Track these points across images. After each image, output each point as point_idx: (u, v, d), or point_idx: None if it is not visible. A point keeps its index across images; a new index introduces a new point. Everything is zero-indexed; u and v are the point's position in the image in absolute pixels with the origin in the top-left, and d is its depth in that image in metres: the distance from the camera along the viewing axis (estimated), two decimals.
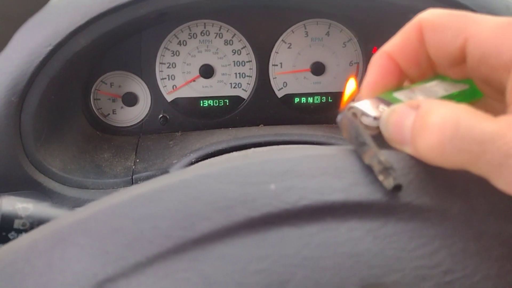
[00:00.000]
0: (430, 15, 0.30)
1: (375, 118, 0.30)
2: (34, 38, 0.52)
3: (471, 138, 0.23)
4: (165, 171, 0.64)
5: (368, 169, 0.29)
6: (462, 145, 0.24)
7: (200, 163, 0.59)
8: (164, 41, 0.75)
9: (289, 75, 0.79)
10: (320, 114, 0.80)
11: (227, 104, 0.80)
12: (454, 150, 0.24)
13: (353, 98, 0.33)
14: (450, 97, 0.32)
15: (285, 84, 0.79)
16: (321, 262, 0.26)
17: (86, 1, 0.53)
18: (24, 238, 0.26)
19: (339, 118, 0.32)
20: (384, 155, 0.28)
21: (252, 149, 0.60)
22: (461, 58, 0.29)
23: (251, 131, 0.71)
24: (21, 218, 0.38)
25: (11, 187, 0.58)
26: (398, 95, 0.31)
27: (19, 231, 0.38)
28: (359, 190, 0.28)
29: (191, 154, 0.64)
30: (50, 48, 0.53)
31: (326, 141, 0.65)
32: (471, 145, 0.23)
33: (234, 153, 0.59)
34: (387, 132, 0.29)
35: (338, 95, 0.80)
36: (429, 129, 0.25)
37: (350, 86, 0.34)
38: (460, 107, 0.25)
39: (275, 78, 0.79)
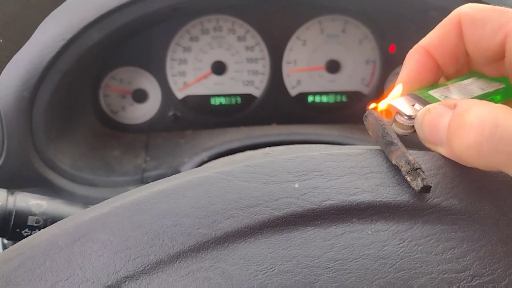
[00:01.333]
0: (470, 9, 0.29)
1: (410, 117, 0.29)
2: (48, 33, 0.52)
3: (510, 138, 0.23)
4: (176, 170, 0.63)
5: (395, 169, 0.28)
6: (500, 146, 0.23)
7: (219, 160, 0.58)
8: (176, 37, 0.75)
9: (303, 73, 0.78)
10: (334, 113, 0.79)
11: (239, 102, 0.79)
12: (491, 150, 0.23)
13: (386, 97, 0.32)
14: (485, 96, 0.31)
15: (299, 82, 0.78)
16: (347, 264, 0.25)
17: None
18: (43, 233, 0.26)
19: (365, 116, 0.31)
20: (412, 155, 0.28)
21: (269, 148, 0.59)
22: (499, 55, 0.29)
23: (265, 130, 0.70)
24: (35, 214, 0.37)
25: (20, 184, 0.58)
26: (433, 93, 0.30)
27: (33, 228, 0.37)
28: (386, 191, 0.27)
29: (203, 153, 0.63)
30: (63, 42, 0.52)
31: (343, 141, 0.64)
32: (509, 146, 0.23)
33: (255, 151, 0.58)
34: (422, 132, 0.28)
35: (353, 94, 0.79)
36: (466, 128, 0.24)
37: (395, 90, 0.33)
38: (498, 107, 0.24)
39: (289, 76, 0.78)
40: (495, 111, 0.23)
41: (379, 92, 0.79)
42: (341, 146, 0.31)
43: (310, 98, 0.79)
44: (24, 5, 0.24)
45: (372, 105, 0.31)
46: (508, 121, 0.23)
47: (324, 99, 0.79)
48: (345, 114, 0.79)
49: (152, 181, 0.65)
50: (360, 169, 0.28)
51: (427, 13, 0.62)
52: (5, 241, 0.59)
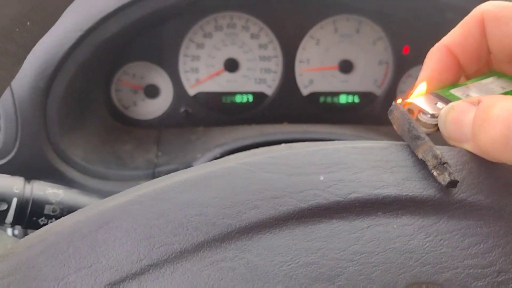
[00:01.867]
0: (493, 7, 0.29)
1: (433, 116, 0.29)
2: (65, 23, 0.52)
3: None
4: (188, 165, 0.63)
5: (421, 163, 0.28)
6: None
7: (240, 153, 0.58)
8: (189, 33, 0.75)
9: (315, 72, 0.77)
10: (346, 114, 0.79)
11: (251, 100, 0.78)
12: None
13: (408, 94, 0.32)
14: (507, 94, 0.31)
15: (311, 81, 0.78)
16: (372, 257, 0.24)
17: None
18: (66, 220, 0.25)
19: (390, 110, 0.31)
20: (439, 150, 0.27)
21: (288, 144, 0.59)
22: None
23: (277, 128, 0.70)
24: (51, 203, 0.37)
25: (32, 175, 0.58)
26: (455, 92, 0.30)
27: (49, 217, 0.37)
28: (412, 185, 0.27)
29: (216, 149, 0.63)
30: (80, 33, 0.52)
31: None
32: None
33: (274, 146, 0.58)
34: (445, 130, 0.28)
35: (365, 95, 0.79)
36: (492, 122, 0.24)
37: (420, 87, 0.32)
38: None
39: (301, 75, 0.78)
40: None
41: (391, 93, 0.79)
42: (364, 141, 0.31)
43: (322, 98, 0.79)
44: None
45: (398, 100, 0.31)
46: None
47: (336, 99, 0.79)
48: (357, 114, 0.79)
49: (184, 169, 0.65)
50: (386, 163, 0.28)
51: (443, 14, 0.62)
52: (16, 231, 0.59)
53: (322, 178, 0.27)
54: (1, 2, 0.23)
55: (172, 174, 0.29)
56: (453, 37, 0.31)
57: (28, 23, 0.24)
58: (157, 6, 0.55)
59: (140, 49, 0.73)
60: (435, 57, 0.31)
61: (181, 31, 0.74)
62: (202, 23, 0.74)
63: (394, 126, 0.30)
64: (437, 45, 0.32)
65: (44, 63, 0.52)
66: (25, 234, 0.57)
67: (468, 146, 0.27)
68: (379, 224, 0.26)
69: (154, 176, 0.63)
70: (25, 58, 0.26)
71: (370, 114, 0.79)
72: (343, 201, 0.26)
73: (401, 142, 0.30)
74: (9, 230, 0.57)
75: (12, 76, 0.25)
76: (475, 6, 0.55)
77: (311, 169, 0.27)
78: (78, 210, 0.27)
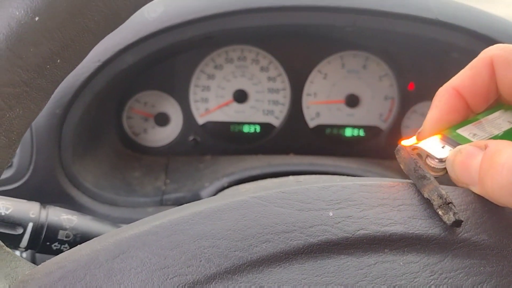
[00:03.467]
0: (502, 51, 0.30)
1: (441, 161, 0.30)
2: None
3: None
4: (196, 194, 0.64)
5: (427, 202, 0.29)
6: None
7: (250, 185, 0.59)
8: (201, 64, 0.77)
9: (322, 105, 0.79)
10: (351, 147, 0.80)
11: (258, 130, 0.80)
12: None
13: (414, 135, 0.33)
14: None
15: (317, 114, 0.80)
16: None
17: (138, 20, 0.55)
18: (83, 248, 0.26)
19: (397, 150, 0.32)
20: (444, 190, 0.28)
21: (296, 177, 0.60)
22: None
23: (284, 160, 0.71)
24: (65, 229, 0.38)
25: (44, 200, 0.59)
26: (461, 131, 0.31)
27: (63, 242, 0.38)
28: (418, 224, 0.28)
29: (224, 178, 0.64)
30: (98, 64, 0.54)
31: (362, 174, 0.65)
32: None
33: (284, 179, 0.59)
34: (454, 173, 0.29)
35: (370, 129, 0.80)
36: (498, 169, 0.25)
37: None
38: None
39: (308, 107, 0.79)
40: None
41: (396, 128, 0.80)
42: (372, 178, 0.32)
43: (328, 130, 0.80)
44: (83, 29, 0.26)
45: (404, 141, 0.32)
46: None
47: (342, 132, 0.80)
48: (362, 148, 0.80)
49: (172, 204, 0.66)
50: (393, 201, 0.29)
51: (448, 54, 0.64)
52: (24, 255, 0.59)
53: (331, 214, 0.28)
54: (35, 41, 0.24)
55: (186, 205, 0.30)
56: (461, 79, 0.32)
57: (58, 61, 0.26)
58: (173, 40, 0.57)
59: (153, 78, 0.75)
60: (444, 98, 0.32)
61: (193, 62, 0.76)
62: (213, 55, 0.76)
63: (401, 166, 0.31)
64: (445, 86, 0.33)
65: (62, 91, 0.54)
66: (33, 257, 0.57)
67: (476, 189, 0.28)
68: (385, 261, 0.26)
69: (162, 203, 0.64)
70: (53, 92, 0.27)
71: (375, 148, 0.80)
72: (351, 237, 0.27)
73: (408, 181, 0.31)
74: (17, 253, 0.58)
75: (40, 110, 0.26)
76: (479, 48, 0.57)
77: (320, 204, 0.28)
78: (95, 239, 0.28)
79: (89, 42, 0.27)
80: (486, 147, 0.27)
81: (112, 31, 0.27)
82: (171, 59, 0.74)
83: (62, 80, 0.27)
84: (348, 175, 0.65)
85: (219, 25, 0.57)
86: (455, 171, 0.29)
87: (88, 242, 0.28)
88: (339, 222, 0.27)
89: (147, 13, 0.54)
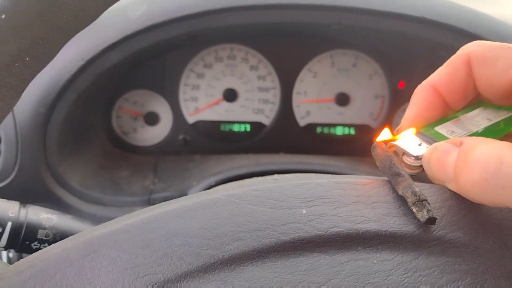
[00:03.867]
0: (479, 48, 0.30)
1: (417, 158, 0.30)
2: (68, 53, 0.54)
3: None
4: (184, 193, 0.64)
5: (401, 200, 0.28)
6: (506, 182, 0.23)
7: (228, 184, 0.59)
8: (190, 63, 0.76)
9: (312, 104, 0.79)
10: (342, 145, 0.80)
11: (248, 129, 0.80)
12: (497, 187, 0.24)
13: (391, 132, 0.33)
14: (494, 126, 0.31)
15: (308, 113, 0.80)
16: None
17: (122, 19, 0.55)
18: (55, 247, 0.26)
19: (372, 147, 0.31)
20: (418, 187, 0.28)
21: (277, 175, 0.59)
22: (511, 91, 0.29)
23: (273, 158, 0.71)
24: (45, 228, 0.38)
25: (29, 199, 0.58)
26: (439, 129, 0.31)
27: (42, 241, 0.38)
28: (392, 221, 0.27)
29: (211, 178, 0.64)
30: (82, 63, 0.54)
31: (349, 172, 0.65)
32: None
33: (263, 177, 0.59)
34: (430, 170, 0.29)
35: (361, 127, 0.80)
36: (472, 165, 0.25)
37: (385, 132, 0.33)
38: (503, 144, 0.24)
39: (299, 106, 0.79)
40: (500, 148, 0.24)
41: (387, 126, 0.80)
42: (348, 175, 0.32)
43: (319, 129, 0.80)
44: (52, 27, 0.25)
45: (379, 138, 0.32)
46: None
47: (333, 130, 0.80)
48: (352, 146, 0.80)
49: (159, 203, 0.65)
50: (367, 198, 0.28)
51: (437, 52, 0.64)
52: (10, 254, 0.59)
53: (304, 211, 0.27)
54: (2, 39, 0.24)
55: (160, 204, 0.30)
56: (439, 77, 0.31)
57: (27, 58, 0.25)
58: (157, 39, 0.57)
59: (142, 77, 0.75)
60: (421, 96, 0.32)
61: (182, 61, 0.76)
62: (202, 54, 0.76)
63: (377, 163, 0.31)
64: (423, 83, 0.33)
65: (46, 90, 0.54)
66: (20, 257, 0.57)
67: (451, 186, 0.28)
68: (359, 259, 0.26)
69: (150, 202, 0.64)
70: (23, 90, 0.27)
71: (366, 146, 0.80)
72: (324, 235, 0.27)
73: (383, 178, 0.30)
74: (4, 254, 0.58)
75: (10, 108, 0.26)
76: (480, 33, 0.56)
77: (294, 202, 0.28)
78: (67, 238, 0.28)
79: (59, 39, 0.27)
80: (461, 143, 0.26)
81: (82, 29, 0.27)
82: (160, 57, 0.74)
83: (33, 78, 0.27)
84: (335, 173, 0.65)
85: (203, 24, 0.57)
86: (431, 168, 0.29)
87: (60, 241, 0.28)
88: (312, 220, 0.27)
89: (130, 11, 0.54)
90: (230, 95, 0.78)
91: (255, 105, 0.79)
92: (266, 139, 0.80)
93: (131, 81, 0.75)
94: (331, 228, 0.27)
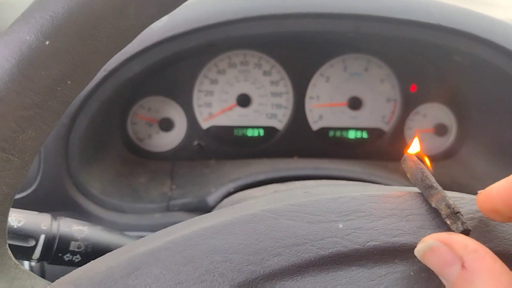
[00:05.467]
0: None
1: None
2: None
3: None
4: (202, 199, 0.64)
5: (434, 212, 0.29)
6: None
7: (260, 193, 0.59)
8: (204, 69, 0.77)
9: (325, 108, 0.79)
10: (354, 149, 0.80)
11: (262, 134, 0.80)
12: None
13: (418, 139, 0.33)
14: None
15: (320, 117, 0.80)
16: None
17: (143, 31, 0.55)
18: (98, 265, 0.27)
19: (403, 160, 0.32)
20: (451, 199, 0.29)
21: (299, 183, 0.60)
22: None
23: (288, 164, 0.72)
24: (77, 240, 0.38)
25: (52, 208, 0.59)
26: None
27: (74, 253, 0.38)
28: (427, 234, 0.28)
29: (229, 184, 0.64)
30: (104, 73, 0.54)
31: (367, 178, 0.65)
32: None
33: (295, 184, 0.59)
34: (422, 259, 0.27)
35: (373, 131, 0.81)
36: None
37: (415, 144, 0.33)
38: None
39: (311, 110, 0.80)
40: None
41: (399, 130, 0.81)
42: (379, 187, 0.32)
43: (331, 133, 0.81)
44: (92, 51, 0.26)
45: (410, 149, 0.32)
46: None
47: (345, 134, 0.81)
48: (365, 150, 0.81)
49: (178, 209, 0.66)
50: (401, 211, 0.29)
51: (451, 57, 0.64)
52: (32, 263, 0.60)
53: (341, 226, 0.28)
54: (46, 64, 0.25)
55: (197, 218, 0.31)
56: None
57: (69, 82, 0.26)
58: (177, 48, 0.57)
59: (157, 84, 0.75)
60: None
61: (196, 68, 0.77)
62: (216, 60, 0.77)
63: (408, 175, 0.31)
64: None
65: None
66: (42, 266, 0.58)
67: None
68: (396, 271, 0.27)
69: (168, 209, 0.65)
70: (64, 112, 0.27)
71: (378, 149, 0.80)
72: (361, 248, 0.27)
73: (414, 189, 0.31)
74: (26, 263, 0.59)
75: (51, 130, 0.27)
76: (481, 52, 0.57)
77: (330, 217, 0.29)
78: (108, 254, 0.29)
79: (98, 62, 0.27)
80: (463, 265, 0.24)
81: (120, 50, 0.28)
82: (174, 65, 0.74)
83: (72, 100, 0.28)
84: (353, 179, 0.65)
85: (222, 33, 0.57)
86: (426, 262, 0.26)
87: (101, 258, 0.28)
88: (349, 234, 0.28)
89: None
90: (244, 101, 0.78)
91: (268, 110, 0.80)
92: (279, 144, 0.80)
93: (146, 88, 0.76)
94: (368, 242, 0.27)
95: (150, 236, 0.29)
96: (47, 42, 0.24)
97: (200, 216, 0.31)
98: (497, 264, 0.24)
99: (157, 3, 0.28)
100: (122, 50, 0.56)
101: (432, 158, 0.81)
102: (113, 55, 0.28)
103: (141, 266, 0.26)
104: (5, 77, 0.24)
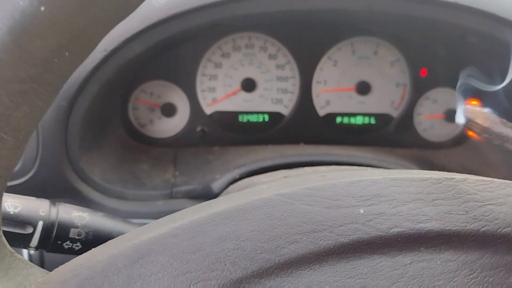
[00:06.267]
0: None
1: None
2: None
3: None
4: (207, 186, 0.62)
5: (463, 196, 0.27)
6: None
7: (269, 179, 0.57)
8: (207, 53, 0.75)
9: (332, 93, 0.77)
10: (363, 135, 0.78)
11: (267, 120, 0.78)
12: None
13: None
14: None
15: (328, 102, 0.78)
16: None
17: (145, 7, 0.53)
18: (100, 253, 0.25)
19: (465, 110, 0.29)
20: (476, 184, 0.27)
21: (309, 168, 0.58)
22: None
23: (295, 150, 0.70)
24: (77, 227, 0.37)
25: (51, 195, 0.57)
26: None
27: (74, 241, 0.36)
28: (455, 219, 0.26)
29: (235, 170, 0.62)
30: (105, 53, 0.52)
31: (377, 164, 0.63)
32: None
33: (304, 169, 0.57)
34: None
35: (382, 117, 0.78)
36: None
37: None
38: None
39: (318, 95, 0.77)
40: None
41: (408, 116, 0.78)
42: (402, 171, 0.30)
43: (339, 119, 0.79)
44: (92, 19, 0.24)
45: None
46: None
47: (353, 120, 0.78)
48: (373, 136, 0.78)
49: (182, 197, 0.64)
50: (427, 195, 0.27)
51: (465, 39, 0.62)
52: (31, 252, 0.58)
53: (362, 211, 0.26)
54: (42, 34, 0.22)
55: (205, 204, 0.28)
56: None
57: (67, 54, 0.24)
58: (181, 28, 0.55)
59: (158, 68, 0.73)
60: None
61: (199, 51, 0.74)
62: (220, 43, 0.74)
63: (476, 127, 0.28)
64: None
65: (68, 82, 0.52)
66: (41, 255, 0.56)
67: None
68: (422, 260, 0.25)
69: (172, 196, 0.63)
70: (61, 88, 0.25)
71: (386, 136, 0.78)
72: (384, 235, 0.25)
73: (440, 173, 0.29)
74: (25, 251, 0.57)
75: (48, 107, 0.25)
76: (499, 32, 0.55)
77: (350, 201, 0.27)
78: (110, 242, 0.27)
79: (98, 33, 0.25)
80: None
81: (122, 20, 0.25)
82: (176, 48, 0.72)
83: (71, 74, 0.26)
84: (363, 165, 0.63)
85: (227, 12, 0.55)
86: None
87: (103, 245, 0.26)
88: (371, 220, 0.26)
89: (154, 0, 0.52)
90: (249, 85, 0.76)
91: (274, 95, 0.77)
92: (285, 130, 0.78)
93: (148, 72, 0.73)
94: (392, 228, 0.25)
95: (155, 222, 0.27)
96: (42, 8, 0.22)
97: (209, 201, 0.29)
98: None
99: None
100: (123, 30, 0.54)
101: (443, 145, 0.78)
102: (114, 25, 0.26)
103: (146, 254, 0.24)
104: None
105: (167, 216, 0.28)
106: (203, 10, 0.54)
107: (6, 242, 0.25)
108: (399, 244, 0.25)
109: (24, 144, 0.24)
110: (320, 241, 0.25)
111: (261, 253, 0.24)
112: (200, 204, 0.28)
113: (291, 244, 0.25)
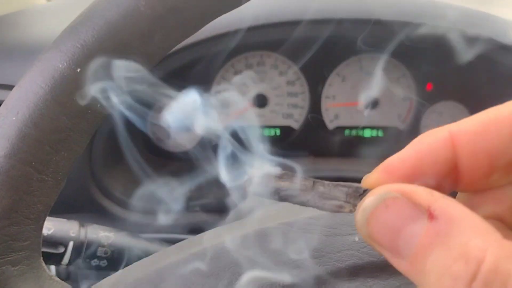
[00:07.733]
0: None
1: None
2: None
3: None
4: (221, 201, 0.66)
5: None
6: None
7: (279, 210, 0.60)
8: (221, 71, 0.78)
9: (341, 107, 0.80)
10: (371, 148, 0.81)
11: (278, 134, 0.82)
12: None
13: None
14: None
15: (336, 116, 0.81)
16: None
17: None
18: (125, 276, 0.29)
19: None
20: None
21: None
22: None
23: (306, 164, 0.73)
24: (103, 246, 0.40)
25: (74, 210, 0.61)
26: None
27: (101, 258, 0.40)
28: None
29: None
30: None
31: None
32: None
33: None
34: (366, 229, 0.20)
35: (389, 130, 0.81)
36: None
37: None
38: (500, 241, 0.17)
39: (327, 110, 0.80)
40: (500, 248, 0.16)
41: (415, 128, 0.81)
42: None
43: (347, 132, 0.82)
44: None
45: None
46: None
47: (361, 133, 0.81)
48: (380, 148, 0.81)
49: (197, 210, 0.67)
50: None
51: (469, 51, 0.64)
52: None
53: (356, 239, 0.29)
54: (78, 91, 0.26)
55: (214, 231, 0.32)
56: None
57: (98, 105, 0.28)
58: (197, 55, 0.58)
59: (174, 87, 0.77)
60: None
61: (213, 69, 0.78)
62: (233, 61, 0.78)
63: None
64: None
65: None
66: (67, 271, 0.60)
67: (401, 264, 0.20)
68: (410, 283, 0.28)
69: (188, 209, 0.67)
70: (94, 132, 0.29)
71: (394, 148, 0.81)
72: (376, 261, 0.28)
73: None
74: (52, 267, 0.61)
75: (83, 149, 0.29)
76: (497, 55, 0.57)
77: (346, 230, 0.30)
78: (136, 264, 0.30)
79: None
80: (432, 216, 0.18)
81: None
82: (192, 68, 0.75)
83: (102, 121, 0.29)
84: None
85: (242, 38, 0.58)
86: (371, 228, 0.20)
87: (128, 268, 0.30)
88: (364, 247, 0.29)
89: None
90: (260, 101, 0.80)
91: (285, 110, 0.81)
92: (295, 143, 0.81)
93: None
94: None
95: (174, 246, 0.31)
96: (78, 70, 0.26)
97: (220, 227, 0.32)
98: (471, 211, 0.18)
99: (181, 28, 0.29)
100: None
101: None
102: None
103: (168, 278, 0.28)
104: (39, 104, 0.25)
105: (185, 241, 0.31)
106: (217, 38, 0.57)
107: (45, 267, 0.29)
108: (390, 268, 0.28)
109: (62, 183, 0.28)
110: (320, 266, 0.28)
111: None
112: (210, 231, 0.32)
113: (294, 269, 0.28)
